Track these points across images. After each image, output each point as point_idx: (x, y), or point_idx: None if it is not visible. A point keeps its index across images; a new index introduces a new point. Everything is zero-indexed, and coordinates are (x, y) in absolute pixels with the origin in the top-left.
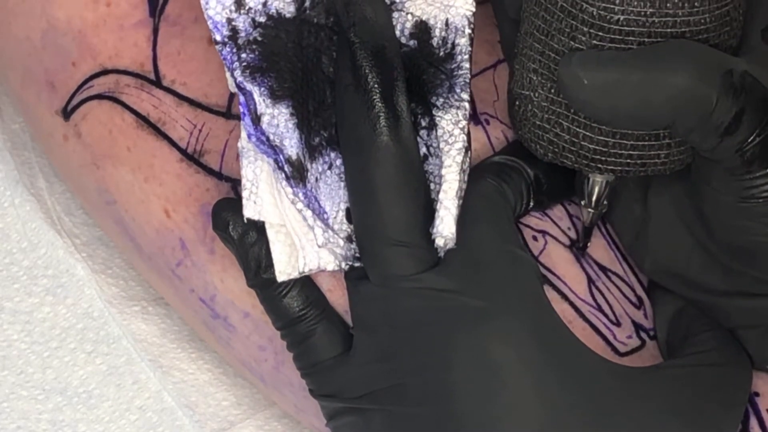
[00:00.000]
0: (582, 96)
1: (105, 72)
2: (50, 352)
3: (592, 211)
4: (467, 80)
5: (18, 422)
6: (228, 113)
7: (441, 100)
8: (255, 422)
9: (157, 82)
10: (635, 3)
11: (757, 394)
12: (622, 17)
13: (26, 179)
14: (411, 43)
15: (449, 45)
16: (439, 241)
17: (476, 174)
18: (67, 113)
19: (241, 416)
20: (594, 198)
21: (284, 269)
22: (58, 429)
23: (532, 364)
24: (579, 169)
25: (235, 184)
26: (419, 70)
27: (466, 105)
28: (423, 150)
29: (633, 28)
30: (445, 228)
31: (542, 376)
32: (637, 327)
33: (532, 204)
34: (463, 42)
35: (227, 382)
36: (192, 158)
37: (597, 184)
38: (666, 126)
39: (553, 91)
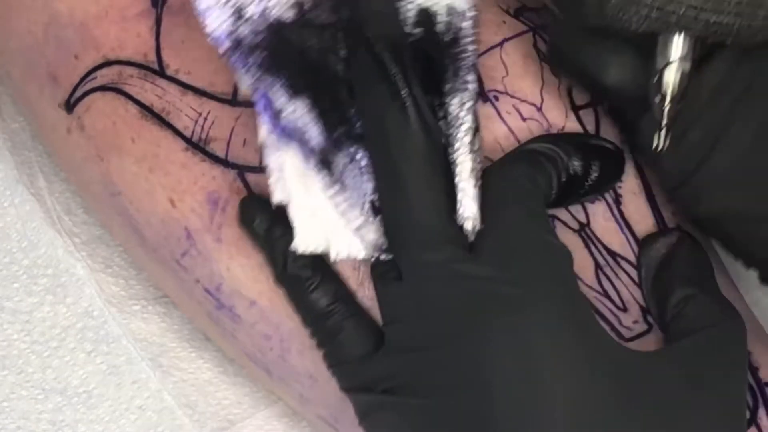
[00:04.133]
0: None
1: (108, 63)
2: (50, 351)
3: (668, 106)
4: (472, 63)
5: (18, 422)
6: (234, 100)
7: (448, 85)
8: (255, 421)
9: (161, 72)
10: None
11: (767, 384)
12: None
13: (26, 179)
14: (416, 31)
15: (454, 30)
16: (467, 225)
17: (510, 160)
18: (70, 106)
19: (241, 415)
20: (670, 90)
21: (304, 239)
22: (58, 429)
23: (568, 352)
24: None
25: (242, 171)
26: (428, 59)
27: (471, 87)
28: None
29: None
30: (467, 209)
31: (576, 365)
32: (645, 311)
33: (562, 193)
34: (466, 25)
35: (227, 381)
36: (197, 146)
37: (672, 73)
38: None
39: None
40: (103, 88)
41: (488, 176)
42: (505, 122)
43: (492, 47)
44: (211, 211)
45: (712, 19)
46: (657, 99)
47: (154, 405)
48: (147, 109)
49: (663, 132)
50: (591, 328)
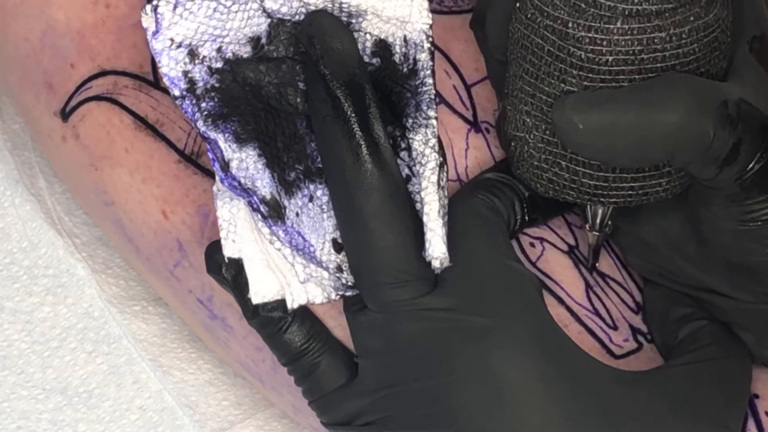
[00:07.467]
0: (578, 139)
1: (103, 73)
2: (51, 351)
3: (597, 234)
4: (432, 96)
5: (18, 422)
6: None
7: (410, 120)
8: (255, 422)
9: (156, 83)
10: (623, 43)
11: (756, 396)
12: (611, 58)
13: (26, 179)
14: (374, 61)
15: (411, 61)
16: (435, 263)
17: (467, 190)
18: (65, 114)
19: (242, 416)
20: (598, 221)
21: (258, 291)
22: (59, 429)
23: (539, 378)
24: (581, 203)
25: None
26: (387, 90)
27: (434, 122)
28: (405, 171)
29: (623, 67)
30: (435, 249)
31: (551, 389)
32: (635, 331)
33: (527, 219)
34: (423, 57)
35: (227, 381)
36: (189, 159)
37: (600, 208)
38: (664, 160)
39: (548, 132)
40: (98, 98)
41: (450, 209)
42: (494, 157)
43: (486, 77)
44: (202, 224)
45: (609, 199)
46: (587, 226)
47: (155, 405)
48: (141, 120)
49: (592, 254)
50: (562, 351)
